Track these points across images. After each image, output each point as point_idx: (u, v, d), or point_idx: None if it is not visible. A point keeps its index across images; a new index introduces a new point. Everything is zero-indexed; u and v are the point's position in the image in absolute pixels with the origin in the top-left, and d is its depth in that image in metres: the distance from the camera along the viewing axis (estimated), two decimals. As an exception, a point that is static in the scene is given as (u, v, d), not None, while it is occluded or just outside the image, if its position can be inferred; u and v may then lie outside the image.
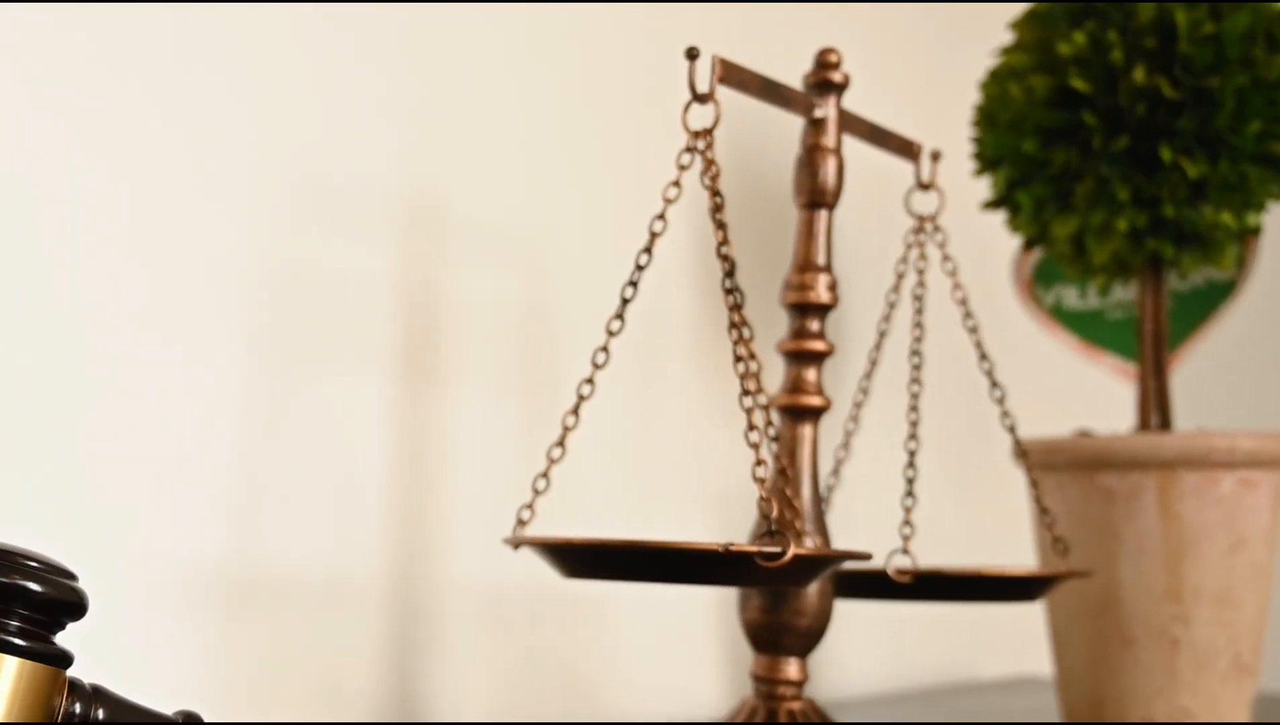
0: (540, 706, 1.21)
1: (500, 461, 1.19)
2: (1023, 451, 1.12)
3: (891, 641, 1.60)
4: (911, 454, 1.07)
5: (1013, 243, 1.63)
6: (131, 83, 0.97)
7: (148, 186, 0.97)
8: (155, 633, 0.97)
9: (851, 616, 1.54)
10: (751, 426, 0.83)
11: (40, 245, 0.92)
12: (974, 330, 1.08)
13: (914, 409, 1.08)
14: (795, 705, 0.95)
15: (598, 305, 1.24)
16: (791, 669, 0.96)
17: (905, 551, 1.00)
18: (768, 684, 0.96)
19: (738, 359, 0.84)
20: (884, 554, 1.04)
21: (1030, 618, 1.77)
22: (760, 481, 0.82)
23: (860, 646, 1.56)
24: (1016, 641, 1.77)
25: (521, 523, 0.92)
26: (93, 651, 0.89)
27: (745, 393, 0.83)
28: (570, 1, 1.25)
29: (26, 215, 0.92)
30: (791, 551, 0.80)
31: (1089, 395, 1.80)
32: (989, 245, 1.66)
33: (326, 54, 1.07)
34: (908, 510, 1.05)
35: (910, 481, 1.05)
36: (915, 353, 1.08)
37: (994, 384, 1.08)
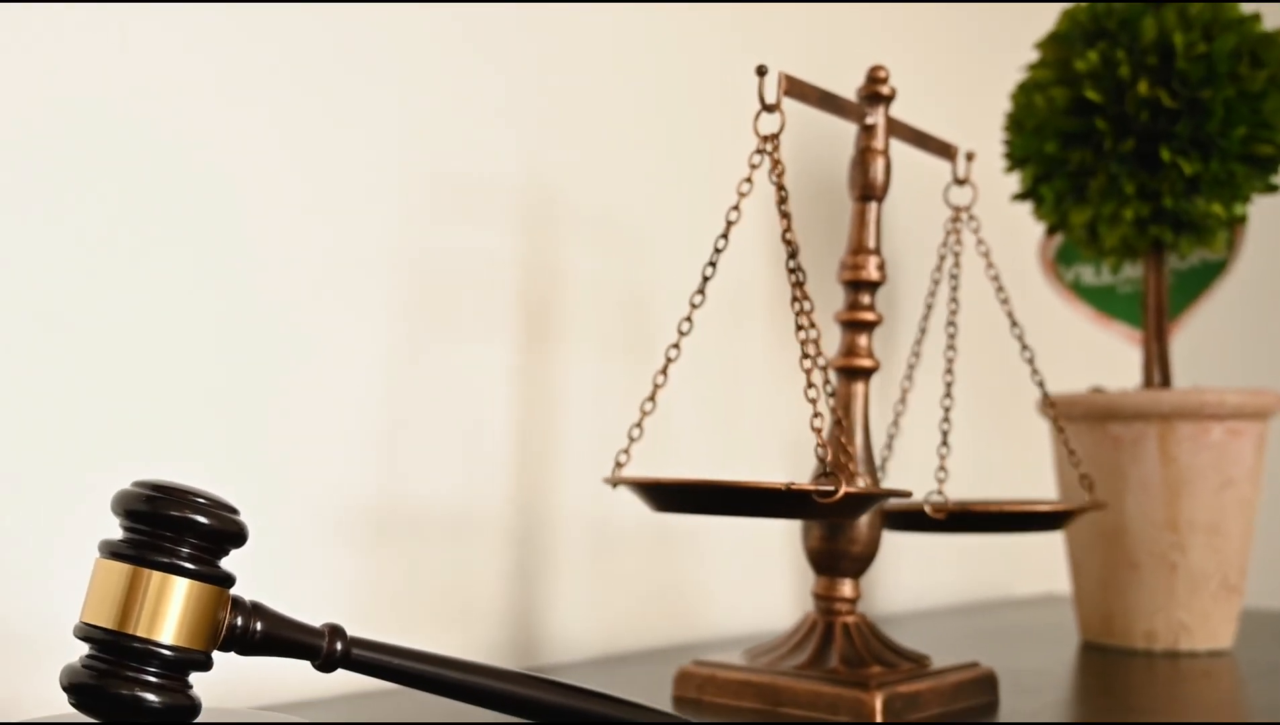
0: (637, 620, 1.22)
1: (603, 413, 1.20)
2: (1050, 403, 1.13)
3: (934, 565, 1.61)
4: (946, 410, 1.07)
5: (1038, 229, 1.64)
6: (304, 91, 0.98)
7: (316, 180, 0.98)
8: (308, 558, 0.98)
9: (900, 544, 1.55)
10: (810, 384, 0.85)
11: (230, 229, 0.94)
12: (1005, 302, 1.09)
13: (949, 372, 1.08)
14: (849, 619, 0.96)
15: (684, 282, 1.26)
16: (846, 588, 0.97)
17: (940, 492, 1.01)
18: (826, 601, 0.97)
19: (799, 327, 0.85)
20: (926, 494, 1.04)
21: (1053, 545, 1.77)
22: (817, 431, 0.84)
23: (907, 570, 1.56)
24: (1042, 565, 1.77)
25: (619, 465, 0.93)
26: (254, 574, 0.91)
27: (805, 356, 0.85)
28: (666, 24, 1.26)
29: (221, 206, 0.93)
30: (843, 490, 0.81)
31: (1102, 357, 1.80)
32: (1019, 231, 1.66)
33: (462, 68, 1.08)
34: (942, 457, 1.05)
35: (945, 433, 1.06)
36: (951, 323, 1.09)
37: (1024, 347, 1.09)
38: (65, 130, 0.85)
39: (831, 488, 0.81)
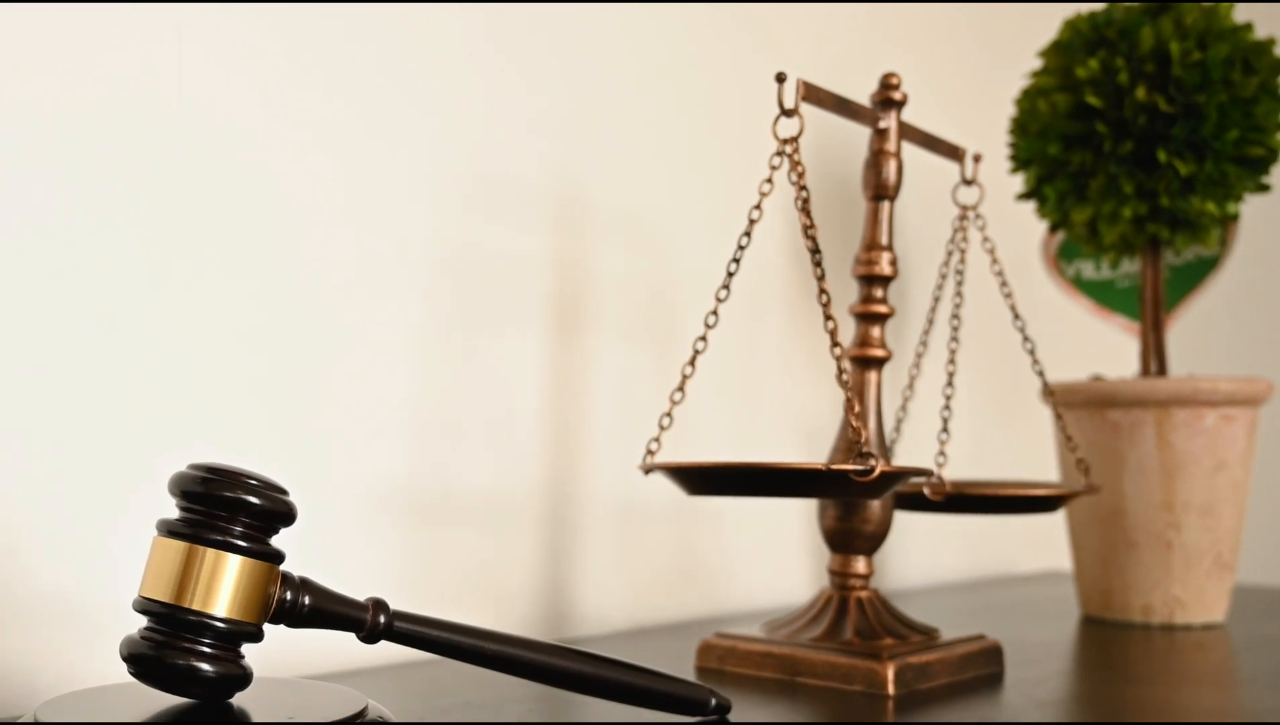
0: (662, 595, 1.22)
1: (632, 402, 1.20)
2: (1050, 392, 1.13)
3: (942, 543, 1.60)
4: (947, 398, 1.07)
5: (1041, 227, 1.63)
6: (346, 102, 0.98)
7: (358, 184, 0.99)
8: (352, 537, 0.99)
9: (911, 524, 1.54)
10: (842, 371, 0.85)
11: (279, 231, 0.94)
12: (1009, 296, 1.08)
13: (951, 362, 1.08)
14: (863, 594, 0.96)
15: (705, 277, 1.26)
16: (860, 565, 0.97)
17: (938, 476, 1.01)
18: (841, 577, 0.97)
19: (827, 318, 0.85)
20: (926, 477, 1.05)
21: (1055, 524, 1.77)
22: (853, 415, 0.84)
23: (917, 548, 1.56)
24: (1045, 543, 1.77)
25: (650, 452, 0.93)
26: (302, 552, 0.92)
27: (835, 345, 0.85)
28: (686, 34, 1.26)
29: (270, 210, 0.94)
30: (879, 468, 0.82)
31: (1102, 347, 1.79)
32: (1023, 228, 1.66)
33: (494, 79, 1.08)
34: (942, 443, 1.05)
35: (945, 420, 1.06)
36: (955, 316, 1.09)
37: (1025, 338, 1.09)
38: (128, 139, 0.86)
39: (868, 467, 0.82)
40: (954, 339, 1.09)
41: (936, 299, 1.14)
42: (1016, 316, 1.09)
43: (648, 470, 0.91)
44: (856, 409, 0.86)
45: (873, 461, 0.83)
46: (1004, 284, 1.09)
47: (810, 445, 1.38)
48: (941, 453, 1.07)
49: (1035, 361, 1.10)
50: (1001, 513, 1.05)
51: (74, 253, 0.83)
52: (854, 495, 0.85)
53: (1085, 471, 1.12)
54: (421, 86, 1.03)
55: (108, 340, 0.85)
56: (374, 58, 1.00)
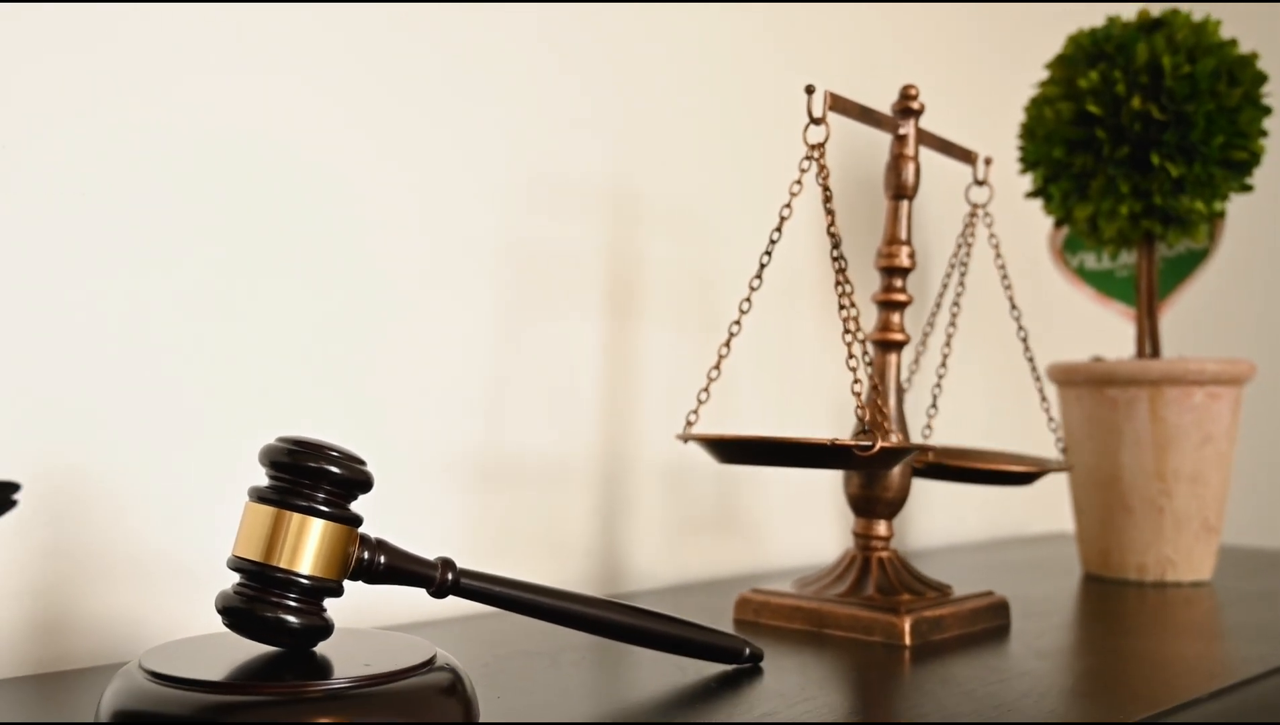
0: (704, 554, 1.22)
1: (678, 378, 1.19)
2: (1037, 377, 1.12)
3: (956, 509, 1.59)
4: (940, 377, 1.10)
5: (1047, 222, 1.62)
6: (417, 111, 0.98)
7: (427, 179, 0.98)
8: (424, 501, 0.99)
9: (928, 490, 1.54)
10: (850, 355, 0.85)
11: (358, 230, 0.94)
12: (1008, 288, 1.08)
13: (947, 345, 1.11)
14: (883, 554, 0.96)
15: (743, 266, 1.26)
16: (881, 528, 0.96)
17: (926, 448, 1.01)
18: (864, 539, 0.96)
19: (841, 307, 0.84)
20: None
21: (1060, 491, 1.76)
22: (857, 395, 0.84)
23: (933, 512, 1.55)
24: (1050, 508, 1.76)
25: (689, 423, 0.93)
26: (379, 516, 0.92)
27: (846, 331, 0.84)
28: (725, 47, 1.25)
29: (344, 201, 0.94)
30: (879, 444, 0.82)
31: (1102, 331, 1.78)
32: (1031, 224, 1.65)
33: (554, 85, 1.08)
34: (930, 417, 1.07)
35: (935, 397, 1.08)
36: (955, 304, 1.09)
37: (1019, 327, 1.09)
38: (227, 155, 0.86)
39: (869, 443, 0.82)
40: (952, 324, 1.10)
41: (944, 286, 1.14)
42: (1013, 307, 1.08)
43: (684, 440, 0.91)
44: (857, 388, 0.85)
45: (874, 437, 0.83)
46: (1004, 276, 1.09)
47: (839, 419, 1.37)
48: (929, 426, 1.10)
49: (1027, 348, 1.09)
50: (984, 483, 1.05)
51: (181, 257, 0.83)
52: (858, 468, 0.85)
53: (1064, 449, 1.12)
54: (489, 99, 1.03)
55: (215, 332, 0.85)
56: (443, 76, 1.00)
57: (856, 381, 0.84)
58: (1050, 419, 1.10)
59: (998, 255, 1.08)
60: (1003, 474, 1.04)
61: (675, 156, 1.20)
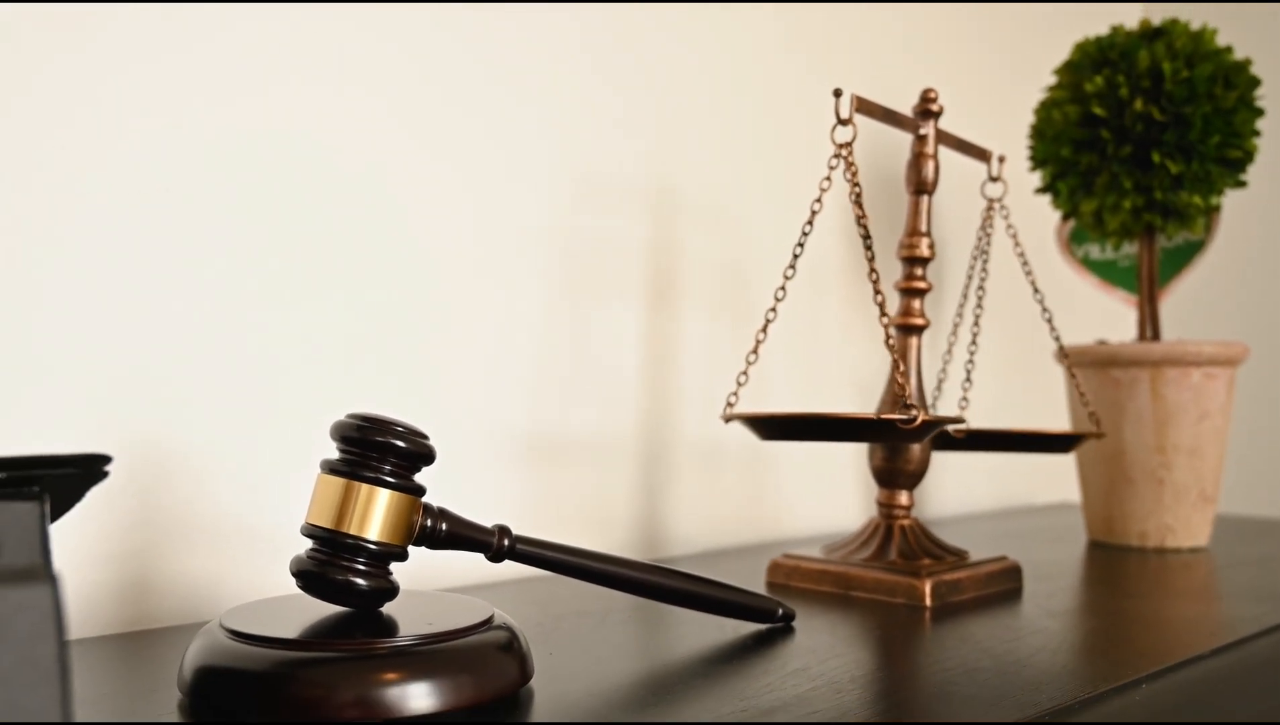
0: (739, 522, 1.22)
1: (714, 362, 1.18)
2: (1065, 354, 1.11)
3: (972, 480, 1.58)
4: (971, 355, 1.08)
5: (1055, 216, 1.60)
6: (466, 115, 0.98)
7: (476, 179, 0.98)
8: (482, 474, 0.98)
9: (946, 463, 1.53)
10: (888, 336, 0.84)
11: (407, 219, 0.94)
12: (1029, 273, 1.07)
13: (976, 325, 1.09)
14: (905, 522, 0.95)
15: (775, 257, 1.24)
16: (903, 498, 0.96)
17: (961, 419, 1.00)
18: (887, 508, 0.96)
19: (877, 293, 0.83)
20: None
21: (1067, 464, 1.74)
22: (902, 374, 0.85)
23: (951, 483, 1.54)
24: (1058, 479, 1.74)
25: (730, 404, 0.93)
26: (441, 487, 0.91)
27: (883, 314, 0.83)
28: (756, 52, 1.24)
29: (398, 201, 0.93)
30: (920, 418, 0.82)
31: (1106, 316, 1.76)
32: (1040, 217, 1.63)
33: (596, 89, 1.07)
34: (965, 391, 1.06)
35: (969, 372, 1.07)
36: (980, 288, 1.08)
37: (1044, 309, 1.07)
38: (290, 159, 0.85)
39: (911, 416, 0.82)
40: (979, 306, 1.09)
41: (969, 276, 1.13)
42: (1036, 291, 1.07)
43: (728, 419, 0.90)
44: (901, 368, 0.85)
45: (915, 411, 0.83)
46: (1025, 263, 1.08)
47: (863, 398, 1.36)
48: (965, 398, 1.09)
49: (1053, 329, 1.08)
50: (1026, 451, 1.05)
51: (269, 252, 0.83)
52: (899, 440, 0.85)
53: (1097, 422, 1.10)
54: (534, 99, 1.02)
55: (291, 319, 0.85)
56: (490, 81, 0.99)
57: (895, 362, 0.85)
58: (1082, 394, 1.09)
59: (1016, 244, 1.07)
60: (1045, 440, 1.03)
61: (708, 155, 1.19)
